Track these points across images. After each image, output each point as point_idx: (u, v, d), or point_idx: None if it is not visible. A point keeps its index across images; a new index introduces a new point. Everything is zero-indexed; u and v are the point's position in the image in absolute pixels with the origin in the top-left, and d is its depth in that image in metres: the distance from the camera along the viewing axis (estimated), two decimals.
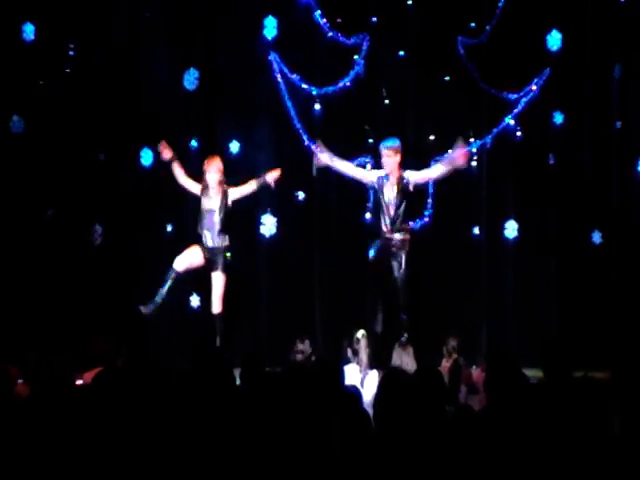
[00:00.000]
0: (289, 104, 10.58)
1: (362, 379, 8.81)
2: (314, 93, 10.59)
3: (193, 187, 9.81)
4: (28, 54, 10.43)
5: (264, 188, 9.84)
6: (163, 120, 10.59)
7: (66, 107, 10.44)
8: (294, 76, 10.58)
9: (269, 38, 10.58)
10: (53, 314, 10.27)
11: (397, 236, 9.65)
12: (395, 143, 9.71)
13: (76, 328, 10.17)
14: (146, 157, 10.60)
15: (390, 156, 9.63)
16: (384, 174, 9.68)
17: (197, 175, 9.84)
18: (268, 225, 10.65)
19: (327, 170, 10.16)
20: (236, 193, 9.77)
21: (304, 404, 4.77)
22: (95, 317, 10.35)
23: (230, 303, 10.08)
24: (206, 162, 9.78)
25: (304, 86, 10.59)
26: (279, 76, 10.57)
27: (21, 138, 10.46)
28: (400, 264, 9.60)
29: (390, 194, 9.64)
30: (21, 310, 10.21)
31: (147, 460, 4.25)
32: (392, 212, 9.62)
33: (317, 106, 10.61)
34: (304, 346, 9.44)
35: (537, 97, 10.77)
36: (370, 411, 4.58)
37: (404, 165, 9.80)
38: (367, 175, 9.84)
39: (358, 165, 10.15)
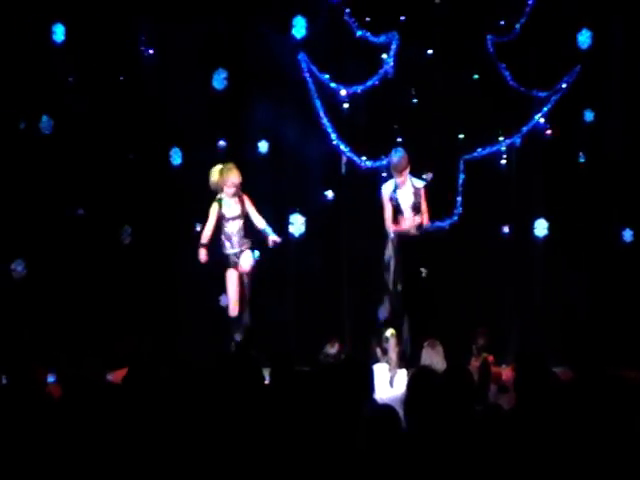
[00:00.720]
0: (318, 103, 10.58)
1: (391, 378, 8.81)
2: (343, 92, 10.59)
3: (213, 219, 9.80)
4: (58, 55, 10.47)
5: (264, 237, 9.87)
6: (192, 120, 10.62)
7: (95, 107, 10.48)
8: (323, 75, 10.58)
9: (298, 37, 10.58)
10: (84, 314, 10.32)
11: (412, 232, 9.85)
12: (403, 155, 9.85)
13: (106, 328, 10.23)
14: (175, 157, 10.63)
15: (405, 168, 9.83)
16: (397, 182, 9.87)
17: None
18: (297, 224, 10.65)
19: (355, 169, 10.22)
20: (250, 209, 9.81)
21: (333, 403, 4.76)
22: (125, 317, 10.40)
23: (257, 303, 10.11)
24: (223, 169, 9.77)
25: (333, 85, 10.58)
26: (308, 75, 10.57)
27: (51, 138, 10.50)
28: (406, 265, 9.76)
29: (406, 198, 9.89)
30: (52, 310, 10.26)
31: (177, 457, 4.26)
32: (409, 214, 9.85)
33: (346, 105, 10.60)
34: (334, 349, 9.43)
35: (567, 95, 10.72)
36: (399, 410, 4.57)
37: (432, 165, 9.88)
38: (388, 196, 9.96)
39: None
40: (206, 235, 9.83)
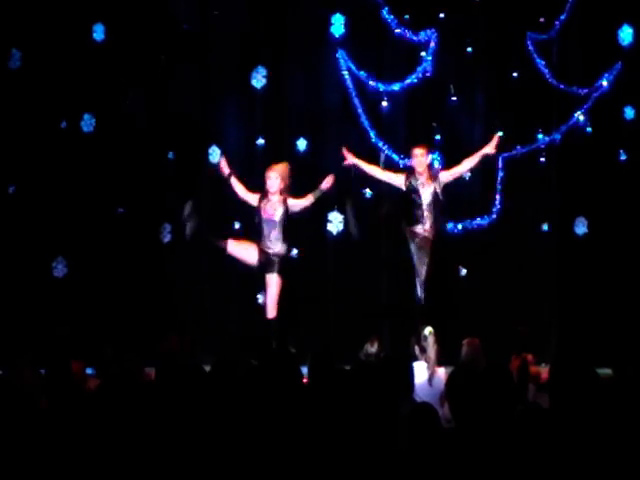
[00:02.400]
0: (356, 101, 10.57)
1: (430, 376, 8.78)
2: (382, 90, 10.58)
3: (252, 199, 9.59)
4: (99, 53, 10.54)
5: (322, 195, 9.65)
6: (231, 118, 10.65)
7: (135, 106, 10.53)
8: (362, 73, 10.58)
9: (337, 35, 10.58)
10: (123, 311, 10.38)
11: (425, 234, 9.67)
12: (424, 144, 9.79)
13: (147, 325, 10.28)
14: (214, 155, 10.66)
15: (423, 155, 9.66)
16: (416, 174, 9.68)
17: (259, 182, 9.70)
18: (335, 222, 10.65)
19: (393, 167, 10.19)
20: (295, 205, 9.54)
21: (373, 401, 4.77)
22: (164, 314, 10.45)
23: (296, 301, 10.11)
24: (269, 168, 9.56)
25: (372, 83, 10.58)
26: (346, 73, 10.57)
27: (92, 137, 10.58)
28: (424, 262, 9.61)
29: (425, 194, 9.66)
30: (93, 307, 10.34)
31: (214, 455, 4.27)
32: (427, 211, 9.64)
33: (384, 103, 10.60)
34: (374, 348, 9.41)
35: (608, 92, 10.65)
36: (438, 409, 4.57)
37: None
38: (395, 178, 9.81)
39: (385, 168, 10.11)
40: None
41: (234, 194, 9.71)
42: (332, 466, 4.22)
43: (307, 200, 9.58)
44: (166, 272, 10.62)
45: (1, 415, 4.56)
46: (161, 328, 10.19)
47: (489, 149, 9.78)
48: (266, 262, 9.52)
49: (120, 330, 9.98)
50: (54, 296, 10.33)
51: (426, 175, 9.68)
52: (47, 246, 10.43)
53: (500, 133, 10.00)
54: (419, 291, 9.65)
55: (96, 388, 5.06)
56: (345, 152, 9.78)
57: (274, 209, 9.50)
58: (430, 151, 9.86)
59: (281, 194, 9.48)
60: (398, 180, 9.77)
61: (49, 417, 4.62)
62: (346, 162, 9.84)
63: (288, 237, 9.56)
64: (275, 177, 9.46)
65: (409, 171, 9.79)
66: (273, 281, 9.49)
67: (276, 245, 9.50)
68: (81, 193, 10.44)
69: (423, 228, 9.67)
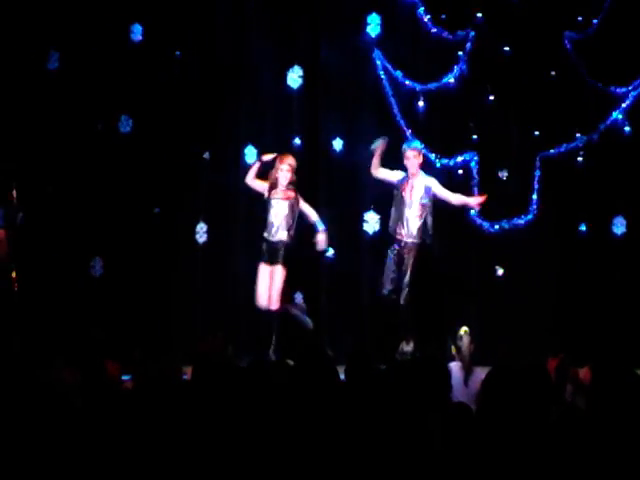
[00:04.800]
0: (392, 101, 10.55)
1: (465, 376, 8.75)
2: (418, 90, 10.55)
3: (260, 186, 9.69)
4: (136, 54, 10.60)
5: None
6: (267, 118, 10.67)
7: (172, 106, 10.58)
8: (397, 73, 10.56)
9: (373, 35, 10.57)
10: (160, 311, 10.43)
11: (409, 240, 9.57)
12: (419, 145, 9.78)
13: (183, 325, 10.32)
14: (249, 155, 10.68)
15: (415, 157, 9.64)
16: (405, 175, 9.64)
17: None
18: (371, 222, 10.63)
19: (430, 167, 10.17)
20: (302, 207, 9.65)
21: (409, 401, 4.75)
22: (201, 314, 10.48)
23: (332, 301, 10.10)
24: (278, 159, 9.63)
25: (407, 83, 10.56)
26: (382, 73, 10.56)
27: (129, 138, 10.63)
28: (405, 271, 9.51)
29: (410, 196, 9.60)
30: (130, 308, 10.38)
31: (250, 454, 4.28)
32: (409, 215, 9.57)
33: (421, 103, 10.57)
34: (409, 347, 9.39)
35: None
36: (473, 408, 4.54)
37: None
38: (392, 175, 9.74)
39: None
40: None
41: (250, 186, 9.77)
42: (369, 466, 4.21)
43: (311, 215, 9.69)
44: (201, 272, 10.65)
45: (37, 414, 4.59)
46: (197, 328, 10.25)
47: (472, 202, 9.78)
48: (271, 252, 9.57)
49: (155, 330, 10.03)
50: (91, 296, 10.39)
51: (416, 177, 9.62)
52: (84, 246, 10.50)
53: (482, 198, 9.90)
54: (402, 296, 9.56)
55: (132, 388, 5.08)
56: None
57: (282, 203, 9.57)
58: (422, 153, 9.79)
59: (289, 187, 9.58)
60: (395, 176, 9.70)
61: (84, 417, 4.64)
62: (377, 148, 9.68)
63: (294, 228, 9.59)
64: (288, 169, 9.57)
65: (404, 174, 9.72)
66: (278, 273, 9.54)
67: (282, 234, 9.56)
68: (118, 193, 10.50)
69: (407, 232, 9.59)
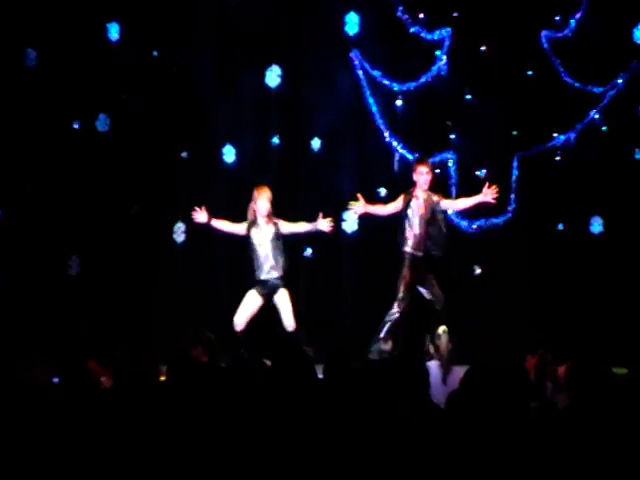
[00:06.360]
0: (371, 100, 10.56)
1: (444, 375, 8.77)
2: (396, 89, 10.56)
3: (239, 229, 9.44)
4: (114, 53, 10.56)
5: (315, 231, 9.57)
6: (245, 117, 10.66)
7: (151, 105, 10.56)
8: (376, 72, 10.57)
9: (351, 34, 10.57)
10: (137, 310, 10.40)
11: (420, 254, 9.41)
12: (431, 161, 9.67)
13: (162, 324, 10.30)
14: (228, 154, 10.66)
15: (428, 173, 9.41)
16: (414, 192, 9.41)
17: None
18: (350, 222, 10.63)
19: (408, 166, 10.16)
20: (286, 228, 9.41)
21: (386, 400, 4.76)
22: (179, 313, 10.46)
23: (311, 300, 10.08)
24: (256, 190, 9.37)
25: (386, 82, 10.57)
26: (361, 72, 10.57)
27: (107, 136, 10.60)
28: (431, 285, 9.42)
29: (419, 211, 9.40)
30: (107, 306, 10.36)
31: (228, 453, 4.27)
32: (418, 230, 9.39)
33: (399, 102, 10.58)
34: (387, 346, 9.40)
35: (623, 91, 10.62)
36: (452, 407, 4.55)
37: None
38: (397, 205, 9.53)
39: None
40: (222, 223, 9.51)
41: (220, 232, 9.61)
42: (347, 464, 4.21)
43: (301, 227, 9.52)
44: (180, 271, 10.63)
45: (15, 414, 4.57)
46: (175, 327, 10.22)
47: (486, 198, 9.44)
48: (269, 290, 9.38)
49: (133, 329, 10.00)
50: (68, 294, 10.36)
51: (426, 194, 9.41)
52: (62, 245, 10.46)
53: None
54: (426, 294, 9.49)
55: (111, 387, 5.07)
56: (360, 196, 9.54)
57: (264, 232, 9.35)
58: (433, 170, 9.64)
59: (269, 217, 9.36)
60: (399, 202, 9.52)
61: (64, 415, 4.63)
62: (356, 211, 9.68)
63: (279, 260, 9.38)
64: (266, 199, 9.34)
65: (406, 192, 9.52)
66: (283, 297, 9.35)
67: (270, 270, 9.34)
68: (96, 192, 10.47)
69: (415, 247, 9.41)
